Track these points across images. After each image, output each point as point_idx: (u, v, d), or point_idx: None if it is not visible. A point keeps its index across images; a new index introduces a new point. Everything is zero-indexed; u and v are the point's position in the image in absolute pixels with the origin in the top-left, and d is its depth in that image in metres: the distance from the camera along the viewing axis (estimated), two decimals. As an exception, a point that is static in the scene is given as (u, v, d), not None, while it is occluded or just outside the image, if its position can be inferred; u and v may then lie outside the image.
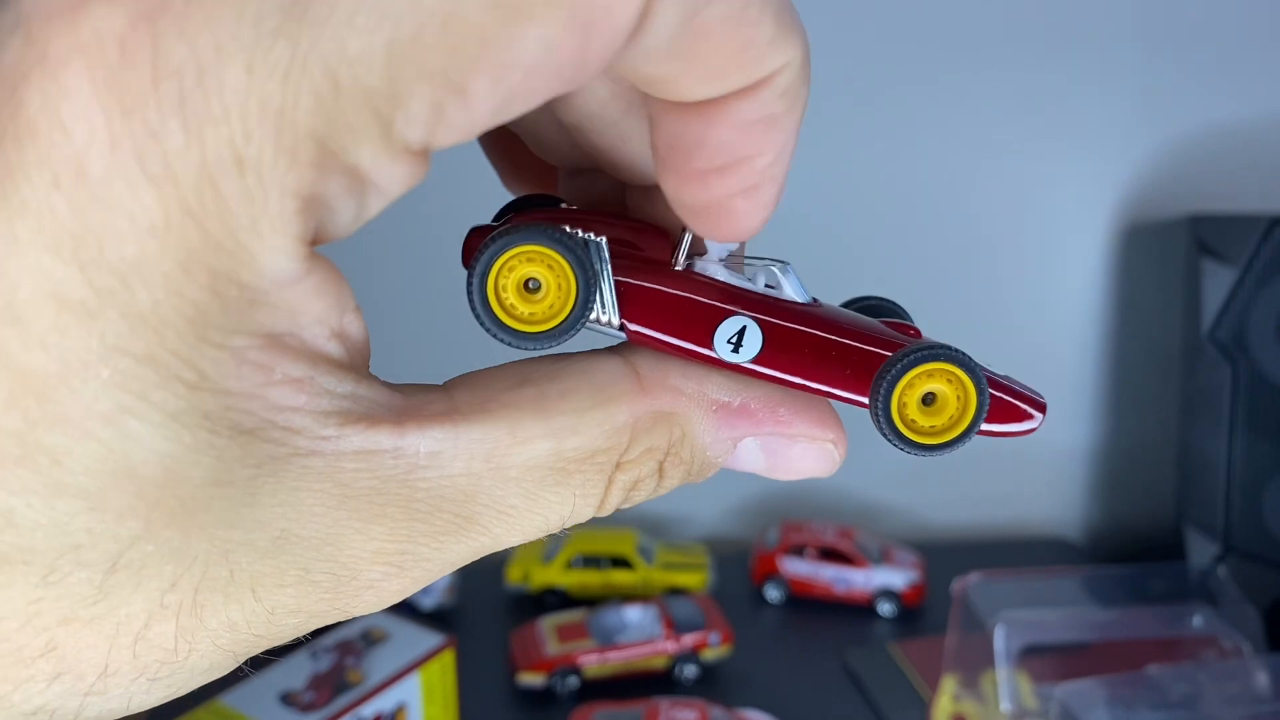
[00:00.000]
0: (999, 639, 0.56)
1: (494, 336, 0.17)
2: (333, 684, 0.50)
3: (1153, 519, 0.89)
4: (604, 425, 0.17)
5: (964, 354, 0.17)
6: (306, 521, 0.14)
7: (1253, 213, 0.74)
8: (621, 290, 0.18)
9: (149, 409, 0.13)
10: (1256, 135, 0.87)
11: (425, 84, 0.12)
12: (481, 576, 0.78)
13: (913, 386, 0.17)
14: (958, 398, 0.18)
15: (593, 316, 0.18)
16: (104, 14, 0.12)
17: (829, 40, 0.81)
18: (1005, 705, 0.56)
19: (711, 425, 0.18)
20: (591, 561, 0.75)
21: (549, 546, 0.77)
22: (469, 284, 0.17)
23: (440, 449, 0.15)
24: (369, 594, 0.16)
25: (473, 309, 0.17)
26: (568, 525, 0.17)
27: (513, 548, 0.78)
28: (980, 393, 0.17)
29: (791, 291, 0.19)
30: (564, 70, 0.13)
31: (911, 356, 0.17)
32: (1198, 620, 0.61)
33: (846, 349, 0.18)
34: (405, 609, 0.72)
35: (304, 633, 0.16)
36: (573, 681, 0.64)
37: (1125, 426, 0.91)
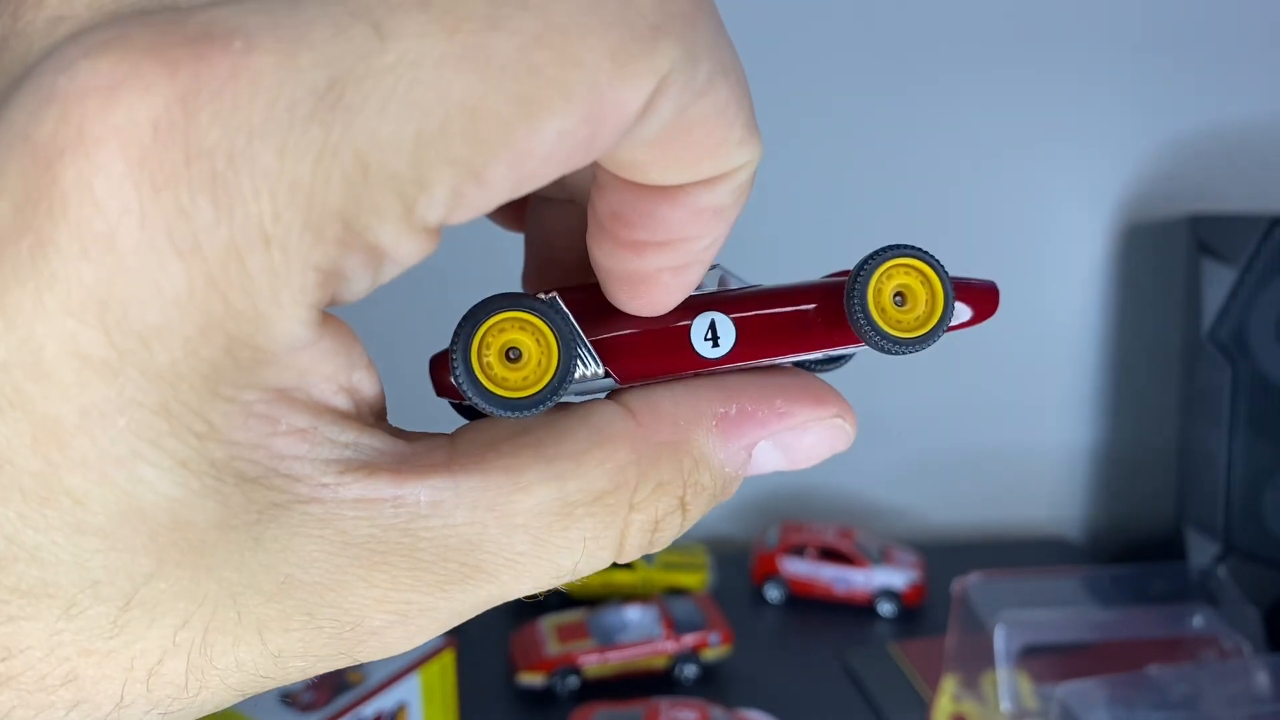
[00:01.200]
0: (999, 639, 0.56)
1: (487, 409, 0.17)
2: (332, 684, 0.50)
3: (1153, 519, 0.89)
4: (605, 464, 0.17)
5: (921, 249, 0.18)
6: (309, 567, 0.15)
7: (1253, 213, 0.74)
8: (596, 342, 0.18)
9: (160, 455, 0.13)
10: (1256, 135, 0.87)
11: (448, 170, 0.13)
12: (481, 576, 0.78)
13: (881, 290, 0.18)
14: (925, 289, 0.18)
15: (577, 374, 0.18)
16: (139, 96, 0.12)
17: (829, 41, 0.81)
18: (1005, 705, 0.56)
19: (719, 441, 0.18)
20: (591, 561, 0.75)
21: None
22: (453, 366, 0.17)
23: (441, 498, 0.16)
24: (374, 641, 0.16)
25: (462, 387, 0.17)
26: (581, 571, 0.17)
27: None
28: (944, 281, 0.18)
29: (736, 285, 0.20)
30: (573, 156, 0.14)
31: (870, 258, 0.18)
32: (1198, 620, 0.61)
33: (812, 303, 0.19)
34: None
35: (310, 676, 0.16)
36: (573, 681, 0.64)
37: (1125, 426, 0.91)
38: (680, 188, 0.16)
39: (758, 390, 0.19)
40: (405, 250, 0.14)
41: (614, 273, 0.18)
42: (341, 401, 0.15)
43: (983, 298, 0.20)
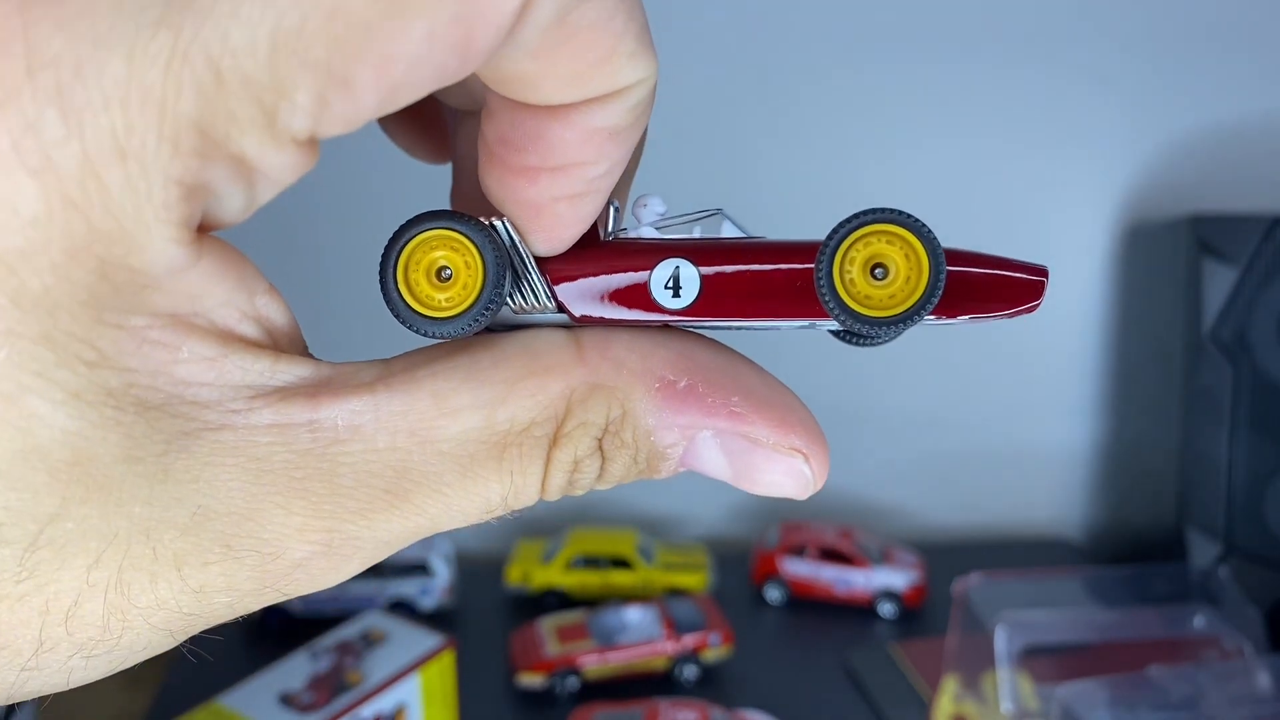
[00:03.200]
0: (1000, 639, 0.56)
1: (409, 327, 0.17)
2: (332, 685, 0.50)
3: (1154, 519, 0.89)
4: (536, 395, 0.16)
5: (908, 214, 0.16)
6: (223, 497, 0.14)
7: (1254, 213, 0.74)
8: (551, 272, 0.17)
9: (50, 387, 0.13)
10: (1257, 135, 0.87)
11: (309, 75, 0.12)
12: (481, 577, 0.78)
13: (853, 259, 0.16)
14: (907, 262, 0.16)
15: (528, 305, 0.17)
16: None
17: (829, 41, 0.81)
18: (1006, 706, 0.56)
19: (655, 405, 0.17)
20: (591, 562, 0.75)
21: (549, 547, 0.77)
22: (380, 275, 0.16)
23: (359, 422, 0.15)
24: (299, 574, 0.15)
25: (386, 298, 0.16)
26: (511, 507, 0.16)
27: (514, 552, 0.78)
28: (932, 255, 0.16)
29: (730, 235, 0.18)
30: (447, 64, 0.13)
31: (846, 221, 0.16)
32: (1199, 621, 0.61)
33: (789, 264, 0.17)
34: (405, 610, 0.72)
35: (241, 613, 0.16)
36: (573, 682, 0.64)
37: (1126, 426, 0.91)
38: (571, 107, 0.15)
39: (720, 376, 0.17)
40: (275, 163, 0.13)
41: (506, 203, 0.17)
42: (250, 329, 0.15)
43: (1020, 286, 0.17)
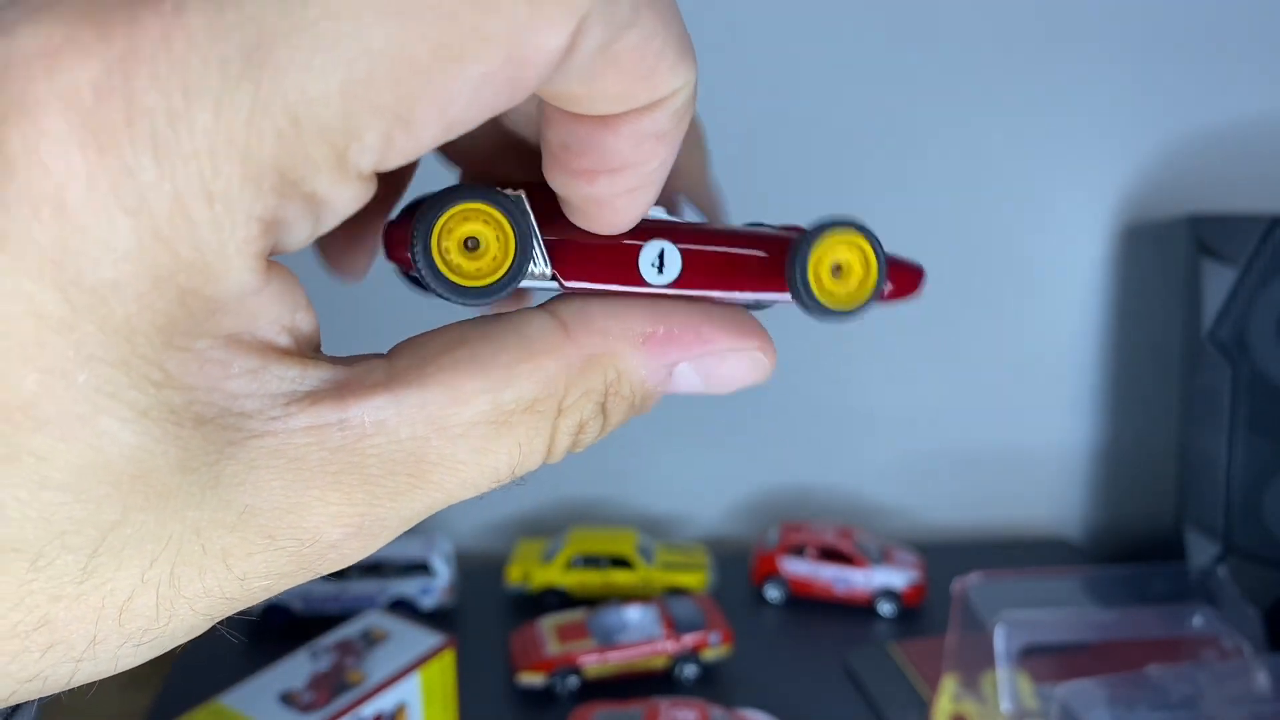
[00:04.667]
0: (999, 639, 0.56)
1: (443, 296, 0.18)
2: (333, 684, 0.50)
3: (1153, 519, 0.89)
4: (535, 375, 0.18)
5: (866, 227, 0.19)
6: (266, 495, 0.16)
7: (1253, 213, 0.74)
8: (550, 243, 0.19)
9: (121, 407, 0.14)
10: (1256, 135, 0.87)
11: (376, 119, 0.14)
12: (481, 577, 0.78)
13: (822, 259, 0.19)
14: (862, 266, 0.19)
15: (532, 272, 0.19)
16: (78, 61, 0.13)
17: (829, 39, 0.81)
18: (1005, 705, 0.56)
19: (643, 358, 0.19)
20: (591, 561, 0.75)
21: (549, 547, 0.77)
22: (412, 247, 0.17)
23: (384, 417, 0.16)
24: (332, 554, 0.17)
25: (419, 269, 0.18)
26: (517, 473, 0.18)
27: (514, 552, 0.78)
28: (879, 256, 0.19)
29: (690, 217, 0.21)
30: (499, 98, 0.15)
31: (816, 229, 0.19)
32: (1198, 620, 0.61)
33: (758, 250, 0.20)
34: (405, 609, 0.72)
35: (275, 593, 0.17)
36: (573, 681, 0.64)
37: (1125, 426, 0.91)
38: (620, 116, 0.17)
39: (685, 316, 0.20)
40: (341, 197, 0.15)
41: (571, 200, 0.18)
42: (284, 340, 0.16)
43: (906, 276, 0.22)
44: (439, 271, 0.18)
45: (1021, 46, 0.83)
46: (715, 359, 0.20)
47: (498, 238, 0.18)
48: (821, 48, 0.81)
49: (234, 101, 0.13)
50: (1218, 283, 0.74)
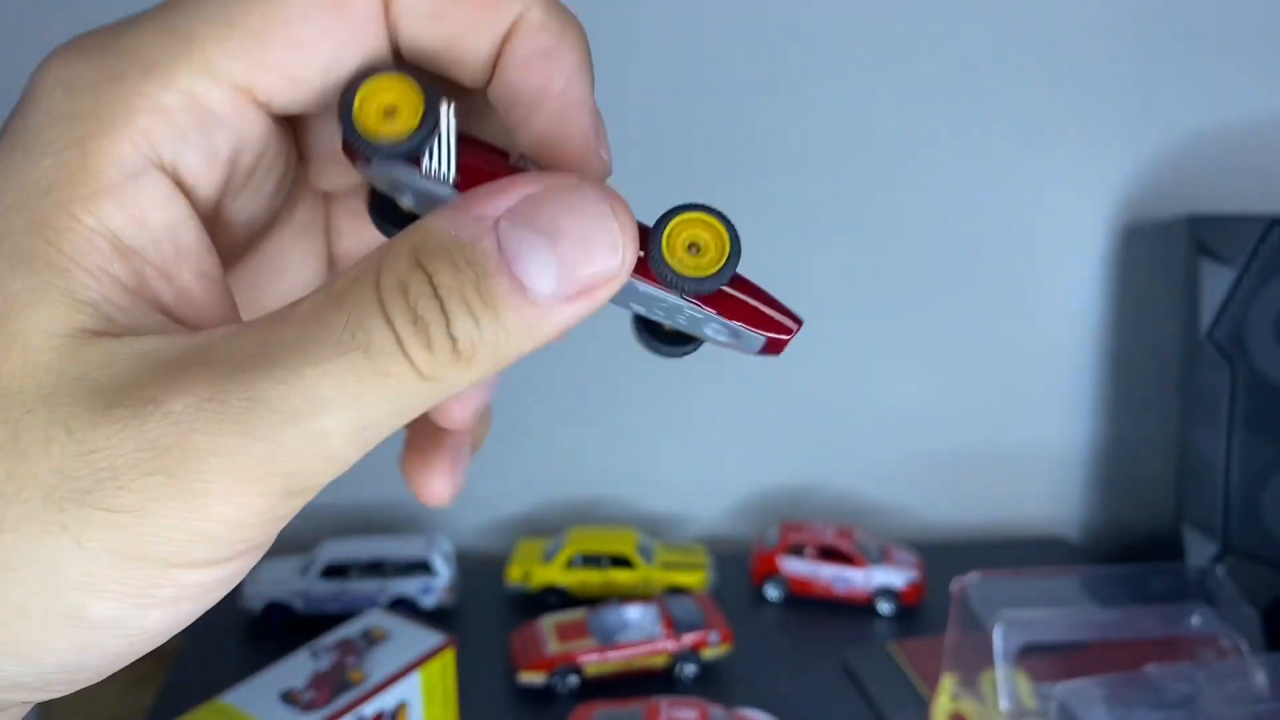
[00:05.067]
0: (998, 638, 0.56)
1: (355, 147, 0.19)
2: (334, 683, 0.50)
3: (1151, 519, 0.89)
4: (358, 263, 0.18)
5: (719, 210, 0.20)
6: (114, 374, 0.17)
7: (1251, 213, 0.74)
8: (460, 155, 0.20)
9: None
10: (1255, 135, 0.87)
11: (234, 30, 0.18)
12: (482, 576, 0.78)
13: (679, 235, 0.20)
14: (717, 245, 0.20)
15: (433, 172, 0.20)
16: None
17: (829, 39, 0.81)
18: (1004, 704, 0.56)
19: (443, 219, 0.18)
20: (592, 561, 0.75)
21: (549, 546, 0.78)
22: (340, 103, 0.20)
23: (230, 328, 0.18)
24: (173, 430, 0.16)
25: (344, 122, 0.19)
26: (366, 344, 0.17)
27: (514, 551, 0.78)
28: (733, 238, 0.20)
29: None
30: (334, 22, 0.19)
31: (673, 209, 0.20)
32: (1196, 620, 0.62)
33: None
34: (406, 608, 0.72)
35: (121, 481, 0.16)
36: (573, 680, 0.64)
37: (1124, 426, 0.91)
38: (501, 59, 0.20)
39: (479, 190, 0.19)
40: (213, 97, 0.18)
41: (545, 149, 0.20)
42: (166, 295, 0.19)
43: (776, 324, 0.21)
44: (354, 120, 0.19)
45: (1019, 47, 0.83)
46: (532, 206, 0.18)
47: (412, 109, 0.20)
48: (822, 48, 0.81)
49: None
50: (1216, 283, 0.74)
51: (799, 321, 0.21)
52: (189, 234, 0.19)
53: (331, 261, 0.26)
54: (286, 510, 0.17)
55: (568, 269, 0.18)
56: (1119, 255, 0.88)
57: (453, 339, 0.17)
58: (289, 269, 0.25)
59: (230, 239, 0.21)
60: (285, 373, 0.16)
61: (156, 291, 0.18)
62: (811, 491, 0.90)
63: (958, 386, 0.89)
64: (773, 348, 0.21)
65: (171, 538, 0.16)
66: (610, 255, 0.18)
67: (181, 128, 0.18)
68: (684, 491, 0.89)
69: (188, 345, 0.17)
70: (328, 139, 0.23)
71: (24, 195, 0.17)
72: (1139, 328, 0.89)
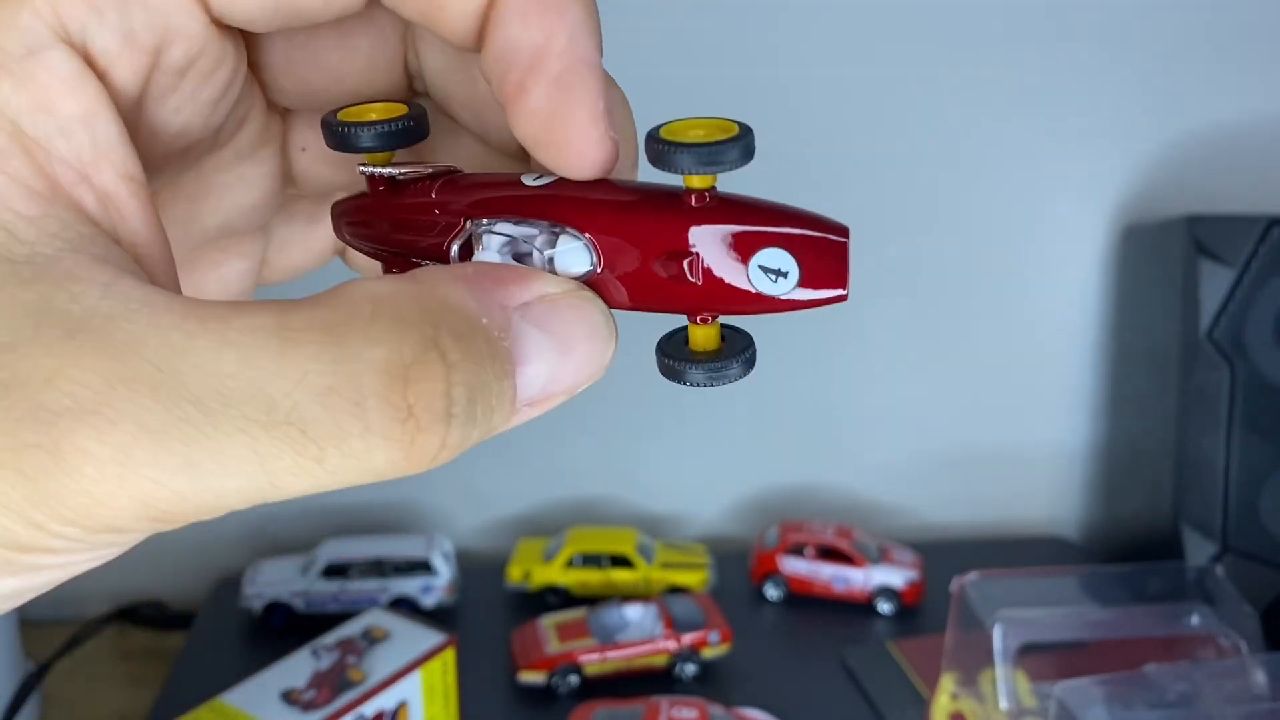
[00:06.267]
0: (997, 637, 0.56)
1: (341, 137, 0.19)
2: (334, 682, 0.51)
3: (1150, 518, 0.89)
4: (333, 302, 0.15)
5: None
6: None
7: (1250, 213, 0.74)
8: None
9: None
10: (1255, 136, 0.87)
11: None
12: (482, 576, 0.78)
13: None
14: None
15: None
16: None
17: (829, 37, 0.81)
18: (1003, 703, 0.56)
19: (468, 290, 0.16)
20: (592, 560, 0.75)
21: (549, 546, 0.78)
22: (323, 122, 0.19)
23: (153, 300, 0.14)
24: (41, 429, 0.13)
25: (326, 127, 0.19)
26: (304, 418, 0.14)
27: (515, 551, 0.78)
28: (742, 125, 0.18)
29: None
30: None
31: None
32: (1195, 619, 0.62)
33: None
34: (406, 608, 0.72)
35: None
36: (573, 679, 0.64)
37: (1123, 426, 0.92)
38: (493, 7, 0.17)
39: (495, 265, 0.18)
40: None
41: (531, 137, 0.17)
42: (90, 202, 0.15)
43: (824, 226, 0.18)
44: (343, 121, 0.19)
45: (1019, 46, 0.83)
46: (548, 309, 0.17)
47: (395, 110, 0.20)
48: (822, 47, 0.81)
49: None
50: (1215, 283, 0.74)
51: (845, 229, 0.18)
52: (106, 126, 0.16)
53: (288, 180, 0.23)
54: (147, 532, 0.15)
55: (553, 383, 0.17)
56: (1119, 255, 0.88)
57: (443, 443, 0.15)
58: (230, 191, 0.21)
59: (157, 150, 0.18)
60: (202, 418, 0.13)
61: (77, 198, 0.15)
62: (811, 491, 0.90)
63: (958, 386, 0.89)
64: (828, 263, 0.17)
65: (15, 528, 0.13)
66: (587, 380, 0.17)
67: (94, 1, 0.15)
68: (684, 491, 0.89)
69: (92, 304, 0.14)
70: (284, 49, 0.20)
71: None
72: (1139, 328, 0.89)
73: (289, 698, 0.49)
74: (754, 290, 0.17)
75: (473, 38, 0.17)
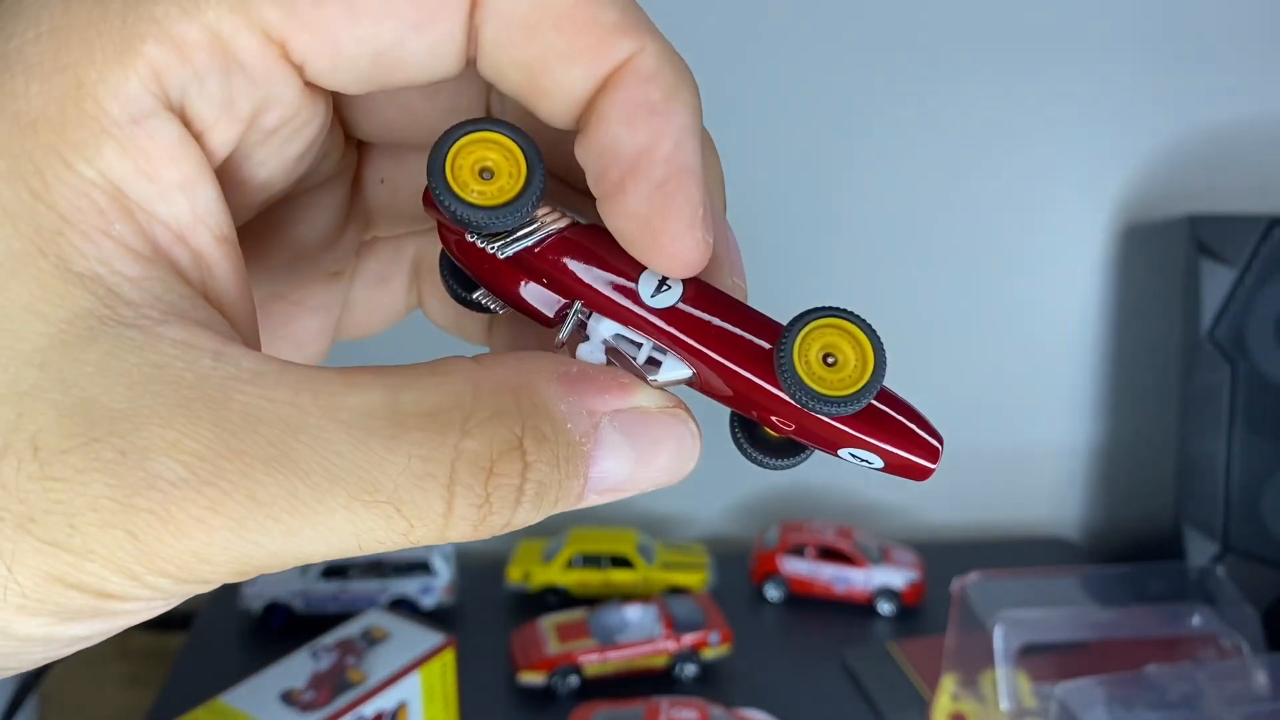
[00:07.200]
0: (998, 638, 0.56)
1: (447, 210, 0.17)
2: (334, 683, 0.50)
3: (1152, 519, 0.89)
4: (441, 385, 0.16)
5: (858, 315, 0.18)
6: (108, 388, 0.14)
7: (1251, 213, 0.74)
8: (559, 234, 0.19)
9: None
10: (1256, 135, 0.87)
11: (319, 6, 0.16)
12: (482, 576, 0.78)
13: (810, 343, 0.18)
14: (855, 354, 0.18)
15: (537, 217, 0.18)
16: None
17: (829, 36, 0.81)
18: (1004, 704, 0.56)
19: (561, 390, 0.17)
20: (592, 561, 0.75)
21: (549, 546, 0.78)
22: (429, 164, 0.17)
23: (265, 370, 0.15)
24: (155, 495, 0.14)
25: (432, 188, 0.17)
26: (404, 500, 0.15)
27: (514, 551, 0.78)
28: (877, 348, 0.18)
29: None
30: (414, 28, 0.16)
31: (809, 313, 0.18)
32: (1196, 620, 0.62)
33: (753, 339, 0.19)
34: (406, 608, 0.72)
35: (75, 528, 0.14)
36: (573, 680, 0.64)
37: (1124, 426, 0.91)
38: (596, 102, 0.17)
39: (597, 366, 0.18)
40: (254, 55, 0.15)
41: (625, 232, 0.18)
42: (185, 260, 0.16)
43: (921, 444, 0.19)
44: (448, 186, 0.17)
45: (1021, 46, 0.83)
46: (639, 420, 0.18)
47: (510, 171, 0.18)
48: (822, 46, 0.81)
49: None
50: (1216, 283, 0.74)
51: (940, 441, 0.19)
52: (205, 192, 0.16)
53: (355, 211, 0.23)
54: (229, 582, 0.15)
55: (628, 483, 0.18)
56: (1119, 255, 0.88)
57: (507, 523, 0.16)
58: (298, 226, 0.22)
59: (241, 202, 0.18)
60: (309, 493, 0.14)
61: (175, 259, 0.15)
62: (811, 491, 0.90)
63: (958, 386, 0.89)
64: (911, 473, 0.19)
65: (111, 579, 0.14)
66: (665, 485, 0.18)
67: (198, 70, 0.15)
68: (684, 491, 0.89)
69: (205, 371, 0.14)
70: (370, 96, 0.20)
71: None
72: (1139, 328, 0.89)
73: (288, 698, 0.49)
74: (838, 458, 0.19)
75: (571, 122, 0.18)
